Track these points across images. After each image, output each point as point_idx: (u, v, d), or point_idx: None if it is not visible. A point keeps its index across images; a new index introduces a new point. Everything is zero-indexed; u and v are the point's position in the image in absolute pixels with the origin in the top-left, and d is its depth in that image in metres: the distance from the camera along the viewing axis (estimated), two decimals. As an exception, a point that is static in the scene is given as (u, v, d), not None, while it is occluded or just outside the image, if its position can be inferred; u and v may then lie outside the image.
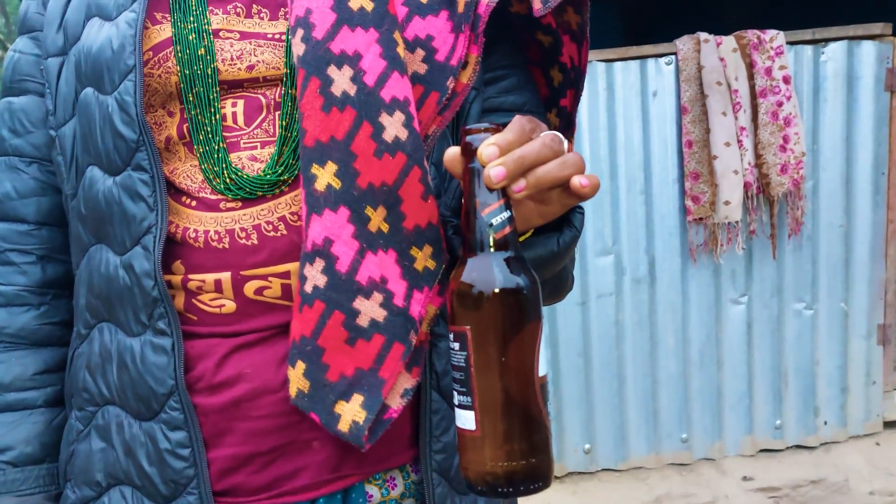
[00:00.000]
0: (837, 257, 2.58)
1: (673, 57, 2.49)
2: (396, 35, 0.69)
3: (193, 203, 0.72)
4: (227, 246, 0.70)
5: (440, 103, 0.71)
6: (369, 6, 0.69)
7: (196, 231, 0.71)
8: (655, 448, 2.58)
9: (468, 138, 0.60)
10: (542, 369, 0.59)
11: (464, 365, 0.59)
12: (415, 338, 0.68)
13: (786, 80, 2.44)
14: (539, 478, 0.59)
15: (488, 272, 0.59)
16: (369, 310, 0.66)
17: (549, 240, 0.68)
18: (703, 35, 2.47)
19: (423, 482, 0.75)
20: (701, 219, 2.48)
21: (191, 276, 0.71)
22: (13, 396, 0.80)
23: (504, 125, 0.60)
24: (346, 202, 0.66)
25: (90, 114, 0.73)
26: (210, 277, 0.70)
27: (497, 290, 0.58)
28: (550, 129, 0.65)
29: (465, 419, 0.59)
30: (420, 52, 0.70)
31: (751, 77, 2.45)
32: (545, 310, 0.67)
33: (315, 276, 0.66)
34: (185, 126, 0.72)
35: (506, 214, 0.59)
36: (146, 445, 0.72)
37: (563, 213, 0.66)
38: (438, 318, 0.73)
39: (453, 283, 0.60)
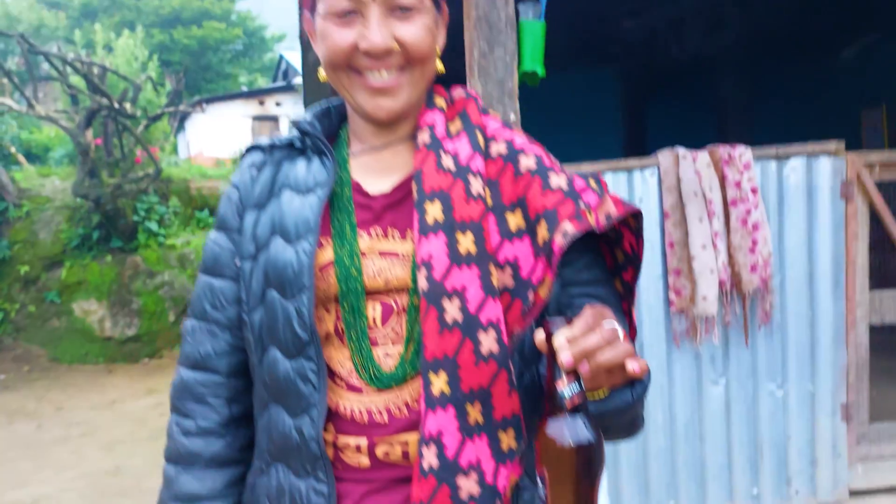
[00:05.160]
0: (804, 344, 2.88)
1: (656, 168, 2.83)
2: (492, 267, 0.88)
3: (344, 385, 0.93)
4: (365, 421, 0.91)
5: (523, 311, 0.87)
6: (473, 249, 0.88)
7: (345, 407, 0.92)
8: (646, 514, 2.86)
9: (550, 328, 0.76)
10: (604, 501, 0.77)
11: (543, 496, 0.77)
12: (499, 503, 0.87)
13: (753, 190, 2.80)
14: None
15: (561, 431, 0.74)
16: (468, 486, 0.85)
17: (623, 393, 0.82)
18: (681, 150, 2.82)
19: None
20: (683, 309, 2.82)
21: (339, 437, 0.92)
22: None
23: (573, 317, 0.76)
24: (453, 402, 0.85)
25: (274, 311, 0.92)
26: (353, 441, 0.91)
27: (566, 446, 0.74)
28: (615, 295, 0.90)
29: None
30: (509, 270, 0.89)
31: (723, 188, 2.79)
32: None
33: (430, 457, 0.85)
34: (339, 323, 0.93)
35: (575, 388, 0.73)
36: None
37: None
38: (523, 476, 0.90)
39: (540, 431, 0.76)
